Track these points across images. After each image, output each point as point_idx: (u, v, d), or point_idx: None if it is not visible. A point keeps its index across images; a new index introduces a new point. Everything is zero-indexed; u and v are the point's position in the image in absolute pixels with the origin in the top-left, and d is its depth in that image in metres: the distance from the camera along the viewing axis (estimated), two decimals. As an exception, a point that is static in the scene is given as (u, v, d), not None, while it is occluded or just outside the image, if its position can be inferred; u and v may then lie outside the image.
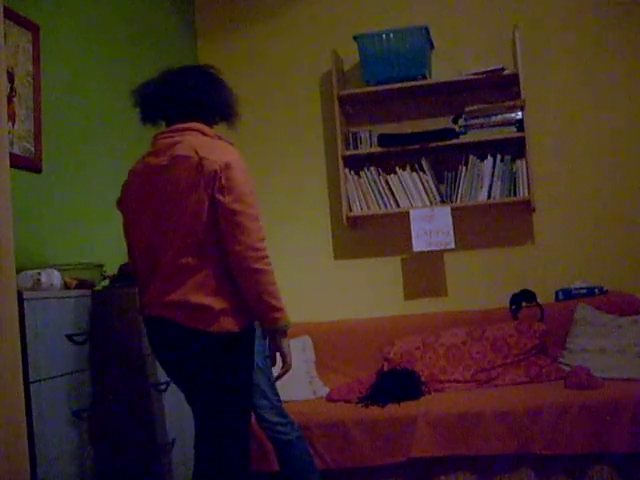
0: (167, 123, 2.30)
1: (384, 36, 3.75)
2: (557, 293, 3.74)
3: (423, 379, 3.30)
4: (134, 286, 2.55)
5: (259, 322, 2.20)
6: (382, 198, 3.83)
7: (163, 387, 2.59)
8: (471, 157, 3.77)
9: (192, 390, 2.22)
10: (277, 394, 2.76)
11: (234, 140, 2.36)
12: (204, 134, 2.22)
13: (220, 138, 2.27)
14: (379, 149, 3.83)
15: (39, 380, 1.95)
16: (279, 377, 2.26)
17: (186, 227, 2.11)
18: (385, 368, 3.46)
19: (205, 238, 2.11)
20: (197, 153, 2.13)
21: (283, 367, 2.21)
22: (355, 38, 3.83)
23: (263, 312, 2.15)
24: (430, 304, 3.90)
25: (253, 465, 3.04)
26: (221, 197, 2.09)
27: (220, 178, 2.09)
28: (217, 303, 2.09)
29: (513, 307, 3.65)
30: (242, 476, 2.20)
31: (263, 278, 2.11)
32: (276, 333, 2.18)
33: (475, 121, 3.75)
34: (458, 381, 3.33)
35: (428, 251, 3.78)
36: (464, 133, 3.76)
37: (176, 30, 4.03)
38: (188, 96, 2.26)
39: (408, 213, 3.76)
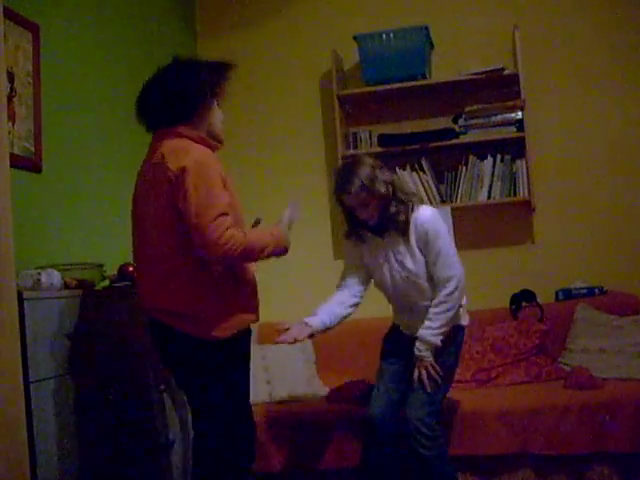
0: (157, 128, 2.26)
1: (384, 36, 3.75)
2: (557, 293, 3.74)
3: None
4: (134, 286, 2.57)
5: None
6: (382, 198, 3.83)
7: (163, 387, 2.59)
8: (471, 157, 3.77)
9: (184, 390, 2.26)
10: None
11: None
12: (180, 137, 2.16)
13: (201, 139, 2.19)
14: (379, 149, 3.83)
15: (39, 380, 1.95)
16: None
17: (156, 235, 2.12)
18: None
19: (176, 245, 2.09)
20: (164, 158, 2.10)
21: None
22: (355, 38, 3.83)
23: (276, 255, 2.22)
24: (430, 304, 3.90)
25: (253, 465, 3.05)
26: (180, 204, 2.05)
27: (177, 184, 2.05)
28: (193, 309, 2.09)
29: (513, 307, 3.65)
30: (234, 476, 2.22)
31: (250, 257, 2.14)
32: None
33: (475, 121, 3.75)
34: (458, 381, 3.32)
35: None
36: (464, 133, 3.76)
37: (176, 30, 4.03)
38: (155, 102, 2.23)
39: (408, 213, 3.75)
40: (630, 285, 3.66)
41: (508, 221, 3.90)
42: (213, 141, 2.25)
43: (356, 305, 2.75)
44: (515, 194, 3.74)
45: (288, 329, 2.50)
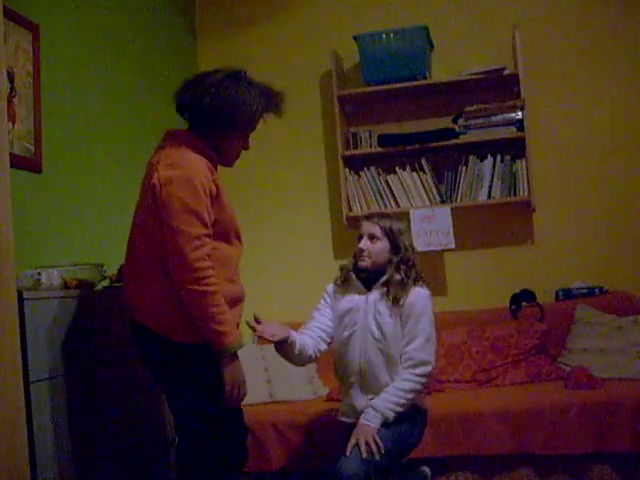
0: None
1: (384, 36, 3.75)
2: (557, 293, 3.74)
3: (423, 379, 3.30)
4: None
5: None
6: (382, 198, 3.83)
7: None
8: (471, 157, 3.77)
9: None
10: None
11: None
12: (182, 143, 2.14)
13: (204, 150, 2.15)
14: (379, 149, 3.83)
15: (39, 380, 1.95)
16: (225, 404, 2.11)
17: (138, 235, 2.15)
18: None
19: (153, 249, 2.08)
20: (158, 163, 2.10)
21: (226, 395, 2.08)
22: (355, 38, 3.83)
23: (206, 335, 2.04)
24: (430, 304, 3.90)
25: (253, 465, 3.05)
26: (161, 213, 2.03)
27: (160, 194, 2.03)
28: (163, 310, 2.09)
29: (513, 307, 3.65)
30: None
31: (201, 300, 2.00)
32: (221, 357, 2.06)
33: (475, 121, 3.74)
34: (458, 381, 3.33)
35: (428, 251, 3.78)
36: (464, 133, 3.76)
37: (176, 30, 4.03)
38: (182, 103, 2.22)
39: (408, 213, 3.76)
40: (630, 285, 3.66)
41: (508, 221, 3.90)
42: (218, 157, 2.20)
43: (315, 357, 2.53)
44: (515, 194, 3.74)
45: (260, 323, 2.34)
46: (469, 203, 3.77)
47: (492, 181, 3.74)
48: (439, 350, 3.41)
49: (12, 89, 2.45)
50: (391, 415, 2.35)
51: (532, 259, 3.86)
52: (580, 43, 3.85)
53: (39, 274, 2.13)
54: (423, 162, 3.81)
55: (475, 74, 3.75)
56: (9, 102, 2.40)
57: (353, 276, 2.54)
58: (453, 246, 3.74)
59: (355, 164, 3.91)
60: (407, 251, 2.49)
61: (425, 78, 3.80)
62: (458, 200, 3.77)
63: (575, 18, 3.87)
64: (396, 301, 2.43)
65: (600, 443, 2.82)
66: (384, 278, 2.46)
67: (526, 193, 3.70)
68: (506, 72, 3.73)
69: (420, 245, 3.75)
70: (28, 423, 1.83)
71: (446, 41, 3.95)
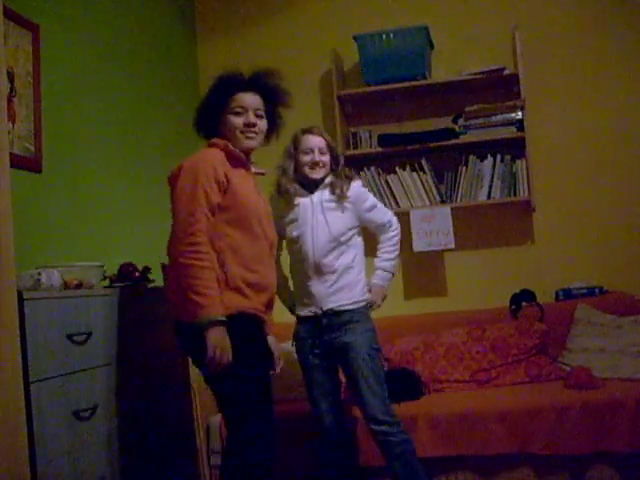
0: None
1: (384, 36, 3.75)
2: (557, 293, 3.74)
3: (423, 379, 3.30)
4: (133, 286, 2.57)
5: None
6: (382, 198, 3.82)
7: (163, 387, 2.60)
8: (471, 157, 3.77)
9: None
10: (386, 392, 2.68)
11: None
12: (210, 146, 2.36)
13: (224, 146, 2.34)
14: (379, 149, 3.83)
15: (39, 380, 1.95)
16: (210, 370, 2.18)
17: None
18: (385, 368, 3.45)
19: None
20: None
21: (207, 360, 2.14)
22: (355, 38, 3.83)
23: (186, 304, 2.15)
24: (430, 304, 3.90)
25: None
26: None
27: (171, 181, 2.27)
28: (177, 296, 2.20)
29: (513, 307, 3.65)
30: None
31: (184, 271, 2.13)
32: (200, 328, 2.12)
33: (475, 121, 3.75)
34: (458, 381, 3.33)
35: (428, 251, 3.78)
36: (464, 133, 3.76)
37: (176, 30, 4.03)
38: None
39: (408, 213, 3.76)
40: (630, 285, 3.66)
41: (508, 221, 3.90)
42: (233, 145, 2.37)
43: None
44: (515, 194, 3.74)
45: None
46: (469, 203, 3.77)
47: (492, 181, 3.74)
48: (439, 350, 3.43)
49: (12, 89, 2.45)
50: (394, 270, 2.84)
51: (532, 259, 3.86)
52: (580, 43, 3.85)
53: (39, 274, 2.12)
54: (423, 162, 3.81)
55: (475, 74, 3.75)
56: (9, 102, 2.40)
57: (296, 185, 2.75)
58: (453, 246, 3.74)
59: (355, 164, 3.90)
60: (340, 159, 2.82)
61: (425, 78, 3.80)
62: (458, 200, 3.77)
63: (575, 18, 3.87)
64: (342, 195, 2.70)
65: (600, 443, 2.82)
66: (329, 179, 2.74)
67: (526, 193, 3.70)
68: (506, 72, 3.73)
69: (420, 245, 3.75)
70: (28, 423, 1.83)
71: (446, 41, 3.95)
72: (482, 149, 3.78)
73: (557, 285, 3.76)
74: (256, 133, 2.37)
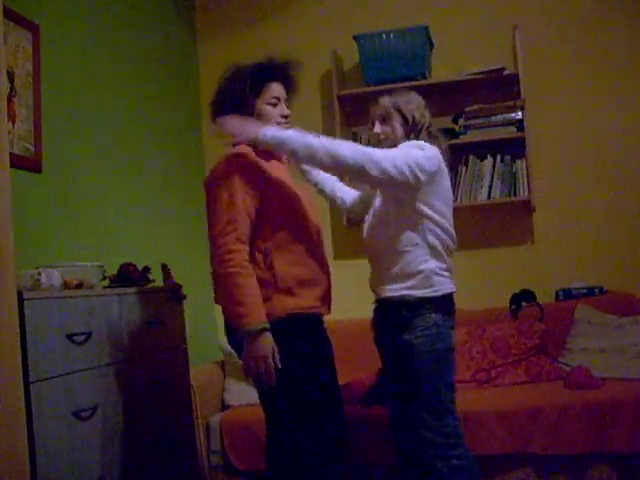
0: None
1: (384, 36, 3.75)
2: (557, 293, 3.74)
3: (423, 379, 3.30)
4: (133, 286, 2.57)
5: None
6: (382, 198, 3.83)
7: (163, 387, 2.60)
8: (471, 157, 3.77)
9: None
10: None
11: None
12: (235, 145, 2.28)
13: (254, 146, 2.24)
14: (379, 149, 3.83)
15: (39, 380, 1.95)
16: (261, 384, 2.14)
17: None
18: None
19: None
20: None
21: (245, 371, 2.12)
22: (355, 38, 3.83)
23: (226, 314, 2.17)
24: (430, 304, 3.89)
25: (253, 464, 3.05)
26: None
27: (210, 188, 2.21)
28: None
29: (513, 307, 3.65)
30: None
31: (222, 281, 2.12)
32: (243, 337, 2.09)
33: (475, 121, 3.75)
34: (458, 381, 3.31)
35: (428, 251, 3.77)
36: (464, 133, 3.76)
37: (176, 30, 4.03)
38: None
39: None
40: (630, 285, 3.66)
41: (508, 221, 3.90)
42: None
43: (341, 201, 2.77)
44: (515, 194, 3.74)
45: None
46: (469, 203, 3.77)
47: (492, 181, 3.75)
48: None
49: (12, 89, 2.45)
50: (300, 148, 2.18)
51: (532, 259, 3.87)
52: (580, 43, 3.86)
53: (39, 274, 2.12)
54: (423, 162, 3.81)
55: (475, 74, 3.75)
56: (9, 102, 2.40)
57: None
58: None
59: (355, 164, 3.90)
60: (419, 121, 2.48)
61: (425, 78, 3.80)
62: (458, 200, 3.77)
63: (575, 18, 3.87)
64: None
65: (600, 443, 2.82)
66: None
67: (526, 193, 3.70)
68: (506, 72, 3.73)
69: (420, 245, 3.74)
70: (28, 423, 1.83)
71: (446, 41, 3.95)
72: (482, 149, 3.78)
73: (557, 285, 3.76)
74: (288, 124, 2.35)
